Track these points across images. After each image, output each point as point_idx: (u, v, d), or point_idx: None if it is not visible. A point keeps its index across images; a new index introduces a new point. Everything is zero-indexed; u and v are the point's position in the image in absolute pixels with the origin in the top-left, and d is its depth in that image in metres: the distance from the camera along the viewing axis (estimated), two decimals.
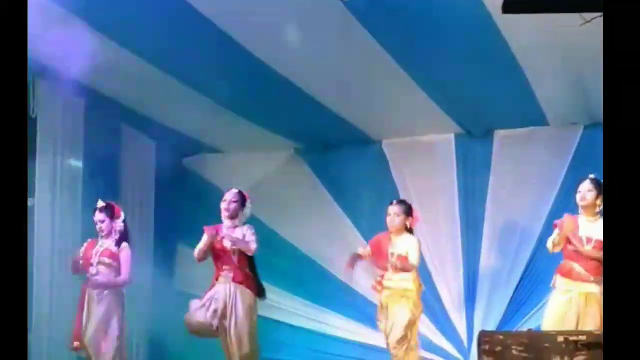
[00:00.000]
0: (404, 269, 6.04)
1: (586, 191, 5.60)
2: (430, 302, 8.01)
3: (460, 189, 8.03)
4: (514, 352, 3.92)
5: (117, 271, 6.32)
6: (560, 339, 3.92)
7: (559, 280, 5.59)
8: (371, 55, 6.18)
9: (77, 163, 7.20)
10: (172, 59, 6.39)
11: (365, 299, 7.46)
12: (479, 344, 3.98)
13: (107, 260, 6.29)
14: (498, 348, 3.94)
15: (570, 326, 5.22)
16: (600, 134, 7.44)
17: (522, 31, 5.70)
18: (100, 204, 6.42)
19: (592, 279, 5.40)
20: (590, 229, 5.53)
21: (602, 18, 3.77)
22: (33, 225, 6.56)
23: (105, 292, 6.23)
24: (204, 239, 6.18)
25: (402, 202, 6.32)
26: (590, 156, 7.49)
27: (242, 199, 6.41)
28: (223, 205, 6.33)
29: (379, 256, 6.18)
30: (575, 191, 5.72)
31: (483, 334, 4.07)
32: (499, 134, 7.98)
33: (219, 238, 6.16)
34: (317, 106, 7.28)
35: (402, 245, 6.13)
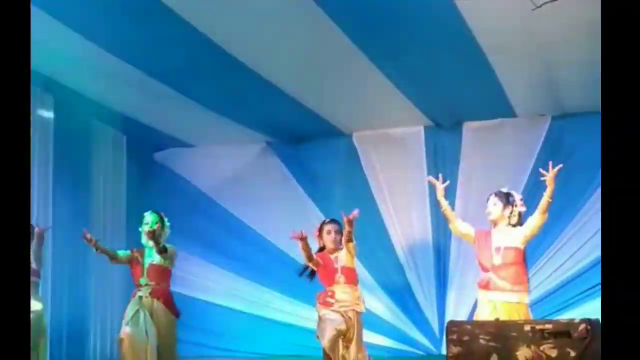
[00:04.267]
0: (352, 281, 6.13)
1: (492, 205, 5.64)
2: (402, 294, 8.10)
3: None
4: (481, 341, 3.95)
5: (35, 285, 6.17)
6: (527, 327, 3.95)
7: (480, 294, 5.63)
8: (341, 49, 6.20)
9: (48, 158, 7.15)
10: (143, 54, 6.37)
11: None
12: (447, 334, 4.02)
13: None
14: (466, 337, 3.97)
15: None
16: (568, 125, 7.62)
17: (490, 24, 5.76)
18: None
19: (508, 287, 5.45)
20: (500, 239, 5.57)
21: (553, 3, 3.82)
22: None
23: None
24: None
25: (334, 220, 6.31)
26: (558, 147, 7.60)
27: (161, 220, 6.47)
28: (146, 228, 6.38)
29: (326, 272, 6.17)
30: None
31: (451, 324, 4.10)
32: (468, 125, 8.08)
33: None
34: (288, 100, 7.30)
35: (343, 258, 6.17)
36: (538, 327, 3.92)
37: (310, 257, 6.09)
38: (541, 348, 3.86)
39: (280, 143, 8.73)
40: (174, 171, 8.91)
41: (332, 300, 6.07)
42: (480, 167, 7.81)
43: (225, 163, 8.84)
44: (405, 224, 8.13)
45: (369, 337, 7.92)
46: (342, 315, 6.01)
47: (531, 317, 5.49)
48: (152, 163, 8.98)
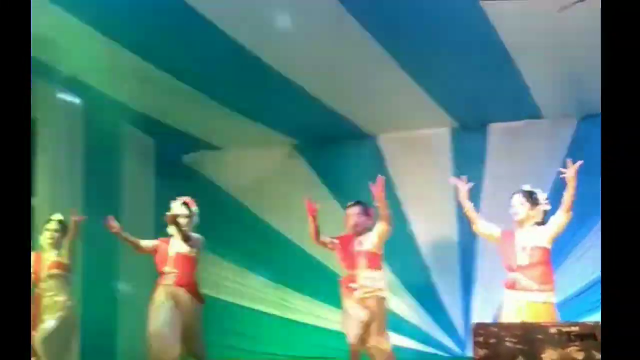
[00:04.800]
0: (376, 266, 6.11)
1: (519, 205, 5.61)
2: (427, 296, 8.09)
3: None
4: (507, 343, 3.95)
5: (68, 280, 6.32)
6: (554, 330, 3.95)
7: (507, 294, 5.59)
8: (367, 51, 6.24)
9: (78, 162, 7.25)
10: (171, 58, 6.45)
11: None
12: (473, 336, 4.03)
13: (56, 271, 6.29)
14: (492, 340, 3.98)
15: None
16: (595, 126, 7.55)
17: (515, 25, 5.77)
18: (58, 217, 6.42)
19: (535, 287, 5.42)
20: (525, 239, 5.54)
21: (580, 4, 3.82)
22: (34, 225, 6.62)
23: (64, 304, 6.21)
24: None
25: (360, 202, 6.31)
26: (584, 148, 7.55)
27: (188, 208, 6.46)
28: (168, 213, 6.34)
29: (346, 255, 6.20)
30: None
31: (477, 326, 4.11)
32: (494, 127, 8.06)
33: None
34: (314, 102, 7.35)
35: (368, 241, 6.17)
36: (564, 329, 3.91)
37: (316, 233, 6.16)
38: (567, 350, 3.86)
39: (306, 145, 8.76)
40: (201, 174, 8.98)
41: (355, 286, 6.05)
42: (506, 169, 7.76)
43: (252, 165, 8.89)
44: (431, 225, 8.13)
45: (393, 339, 7.95)
46: (366, 307, 5.98)
47: (558, 316, 5.47)
48: (180, 166, 9.05)
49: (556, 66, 6.59)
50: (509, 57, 6.33)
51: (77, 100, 7.23)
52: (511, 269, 5.54)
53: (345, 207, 6.61)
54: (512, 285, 5.51)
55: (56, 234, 6.30)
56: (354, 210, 6.21)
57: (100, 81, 6.92)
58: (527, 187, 5.65)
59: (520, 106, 7.57)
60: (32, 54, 5.93)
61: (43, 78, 6.69)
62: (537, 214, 5.57)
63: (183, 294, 6.25)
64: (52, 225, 6.30)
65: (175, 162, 8.98)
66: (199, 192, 8.65)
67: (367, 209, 6.22)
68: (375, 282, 6.06)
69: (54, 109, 7.02)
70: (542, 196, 5.62)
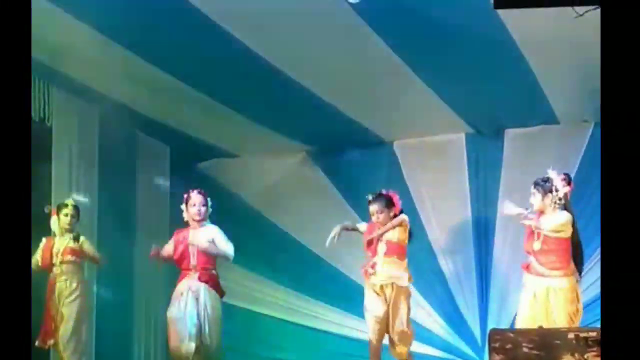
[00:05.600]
0: (396, 254, 6.15)
1: (532, 197, 5.66)
2: (444, 302, 8.06)
3: (472, 188, 8.07)
4: (524, 349, 3.94)
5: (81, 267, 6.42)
6: (571, 335, 3.94)
7: (525, 277, 5.69)
8: (381, 57, 6.23)
9: (93, 170, 7.28)
10: (185, 66, 6.46)
11: None
12: (490, 342, 4.02)
13: (70, 257, 6.34)
14: (509, 346, 3.97)
15: (541, 322, 5.14)
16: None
17: (531, 30, 5.73)
18: (71, 201, 6.51)
19: (546, 273, 5.49)
20: (541, 225, 5.57)
21: (596, 11, 3.81)
22: (51, 231, 6.66)
23: (77, 291, 6.28)
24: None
25: (379, 196, 6.30)
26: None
27: (206, 200, 6.49)
28: (193, 209, 6.36)
29: (370, 240, 6.23)
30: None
31: (494, 332, 4.10)
32: (510, 132, 8.02)
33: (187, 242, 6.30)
34: (329, 109, 7.33)
35: (392, 232, 6.20)
36: (582, 334, 3.90)
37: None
38: (585, 356, 3.84)
39: (320, 152, 8.75)
40: (216, 181, 8.98)
41: (371, 271, 6.07)
42: (522, 174, 7.71)
43: (267, 173, 8.89)
44: (447, 231, 8.09)
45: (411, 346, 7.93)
46: (385, 299, 6.02)
47: (570, 301, 5.49)
48: (195, 173, 9.06)
49: (572, 71, 6.54)
50: (524, 62, 6.30)
51: (92, 109, 7.25)
52: (528, 253, 5.60)
53: (358, 213, 6.60)
54: (527, 268, 5.63)
55: (72, 219, 6.38)
56: (375, 208, 6.24)
57: (116, 89, 6.94)
58: (549, 174, 5.65)
59: (536, 112, 7.53)
60: (48, 64, 6.11)
61: (59, 87, 6.75)
62: (553, 200, 5.56)
63: (206, 289, 6.24)
64: (67, 210, 6.36)
65: (190, 169, 8.99)
66: (214, 199, 8.70)
67: (389, 200, 6.24)
68: (393, 269, 6.08)
69: (70, 117, 7.05)
70: (558, 179, 5.61)
